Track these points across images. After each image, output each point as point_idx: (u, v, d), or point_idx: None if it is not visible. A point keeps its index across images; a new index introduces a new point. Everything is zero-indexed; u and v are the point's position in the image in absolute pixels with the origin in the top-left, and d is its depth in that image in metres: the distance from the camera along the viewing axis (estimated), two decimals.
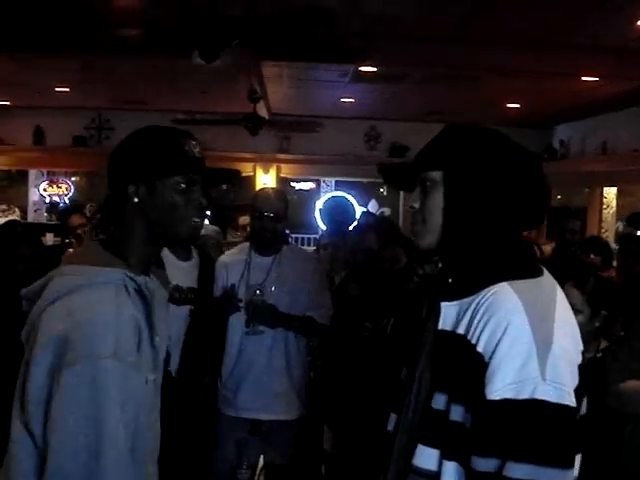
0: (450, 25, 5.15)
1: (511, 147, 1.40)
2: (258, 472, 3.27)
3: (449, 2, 4.64)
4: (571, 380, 1.26)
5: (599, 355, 2.57)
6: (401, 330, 3.00)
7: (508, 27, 5.10)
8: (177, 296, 3.05)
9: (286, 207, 3.26)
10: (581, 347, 1.34)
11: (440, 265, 1.66)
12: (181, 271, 3.12)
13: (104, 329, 1.36)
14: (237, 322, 3.19)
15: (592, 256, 4.86)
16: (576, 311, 2.51)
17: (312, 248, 9.67)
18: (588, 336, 2.55)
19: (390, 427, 1.54)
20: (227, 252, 3.59)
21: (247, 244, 3.37)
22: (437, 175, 1.39)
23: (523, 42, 5.43)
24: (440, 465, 1.30)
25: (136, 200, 1.50)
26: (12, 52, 5.91)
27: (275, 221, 3.17)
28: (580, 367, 1.30)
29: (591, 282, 2.61)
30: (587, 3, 4.49)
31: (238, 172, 2.35)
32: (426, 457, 1.32)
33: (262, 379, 3.18)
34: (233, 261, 3.31)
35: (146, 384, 1.47)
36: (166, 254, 3.18)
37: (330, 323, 3.28)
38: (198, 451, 3.14)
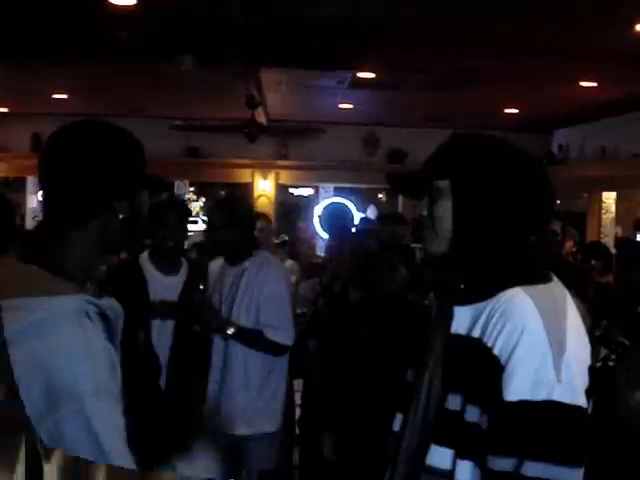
0: (448, 31, 5.14)
1: (515, 154, 1.45)
2: None
3: (447, 8, 4.63)
4: (582, 381, 1.31)
5: (599, 365, 2.54)
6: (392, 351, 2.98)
7: (506, 33, 5.09)
8: (163, 310, 3.07)
9: (228, 215, 3.11)
10: (589, 349, 1.39)
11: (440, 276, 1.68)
12: (165, 286, 3.16)
13: (79, 367, 1.20)
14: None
15: (593, 262, 4.84)
16: None
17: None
18: None
19: (397, 427, 1.57)
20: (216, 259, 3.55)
21: None
22: (444, 184, 1.42)
23: (522, 48, 5.42)
24: (454, 464, 1.32)
25: (121, 217, 1.36)
26: (10, 61, 5.89)
27: (212, 230, 3.17)
28: (589, 368, 1.35)
29: (591, 291, 2.58)
30: (586, 8, 4.48)
31: (171, 183, 2.33)
32: (440, 457, 1.35)
33: (218, 390, 3.15)
34: (215, 269, 3.35)
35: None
36: (150, 269, 3.18)
37: (295, 340, 3.22)
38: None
